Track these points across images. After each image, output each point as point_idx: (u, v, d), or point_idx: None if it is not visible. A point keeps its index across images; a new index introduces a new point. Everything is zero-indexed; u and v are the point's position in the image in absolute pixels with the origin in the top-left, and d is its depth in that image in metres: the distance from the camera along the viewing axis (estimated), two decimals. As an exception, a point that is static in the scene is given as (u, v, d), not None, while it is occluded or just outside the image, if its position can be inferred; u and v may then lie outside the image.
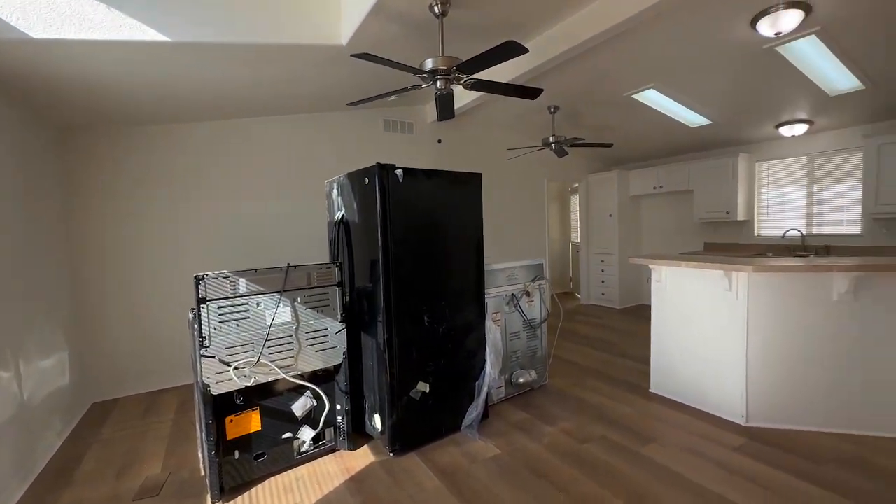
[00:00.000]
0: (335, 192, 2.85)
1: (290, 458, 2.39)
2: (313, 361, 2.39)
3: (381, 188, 2.35)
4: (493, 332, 2.87)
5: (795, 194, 5.06)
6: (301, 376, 2.36)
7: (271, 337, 2.23)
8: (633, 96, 4.19)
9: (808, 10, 2.59)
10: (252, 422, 2.26)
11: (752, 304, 2.66)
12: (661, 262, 3.08)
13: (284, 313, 2.28)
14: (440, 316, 2.61)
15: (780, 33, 2.72)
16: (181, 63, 2.61)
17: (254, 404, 2.26)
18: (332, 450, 2.54)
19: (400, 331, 2.45)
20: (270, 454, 2.32)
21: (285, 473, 2.34)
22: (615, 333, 5.01)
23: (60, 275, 3.09)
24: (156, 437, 2.81)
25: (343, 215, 2.76)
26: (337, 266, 2.49)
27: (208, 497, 2.12)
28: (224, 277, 2.10)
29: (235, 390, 2.16)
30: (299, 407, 2.38)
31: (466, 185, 2.73)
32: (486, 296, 2.88)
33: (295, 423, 2.39)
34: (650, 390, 3.26)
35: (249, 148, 3.99)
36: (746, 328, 2.67)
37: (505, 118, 5.23)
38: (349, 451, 2.54)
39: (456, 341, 2.69)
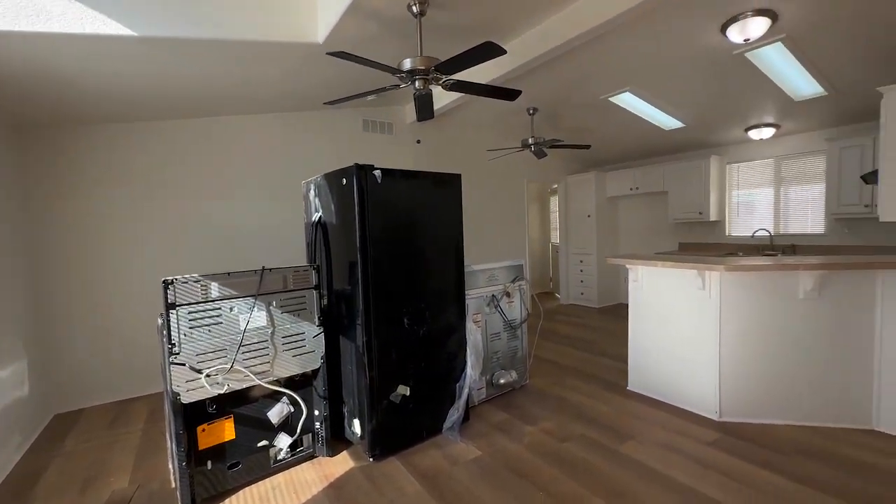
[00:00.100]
0: (312, 192, 2.80)
1: (267, 467, 2.32)
2: (290, 366, 2.33)
3: (359, 189, 2.32)
4: (473, 334, 2.87)
5: (764, 195, 5.26)
6: (277, 382, 2.29)
7: (245, 342, 2.17)
8: (610, 99, 4.26)
9: (774, 17, 2.71)
10: (225, 430, 2.18)
11: (724, 302, 2.73)
12: (638, 261, 3.14)
13: (259, 318, 2.22)
14: (420, 318, 2.58)
15: (748, 39, 2.83)
16: (147, 59, 2.51)
17: (227, 412, 2.19)
18: (311, 457, 2.48)
19: (379, 333, 2.41)
20: (245, 463, 2.25)
21: (261, 483, 2.28)
22: (594, 332, 5.09)
23: (18, 279, 2.93)
24: (123, 449, 2.69)
25: (320, 217, 2.71)
26: (314, 268, 2.44)
27: (179, 510, 2.04)
28: (195, 282, 2.02)
29: (207, 398, 2.08)
30: (275, 414, 2.32)
31: (446, 186, 2.71)
32: (467, 297, 2.87)
33: (271, 431, 2.33)
34: (628, 388, 3.32)
35: (221, 147, 3.87)
36: (719, 325, 2.75)
37: (484, 119, 5.25)
38: (328, 458, 2.49)
39: (436, 343, 2.67)
